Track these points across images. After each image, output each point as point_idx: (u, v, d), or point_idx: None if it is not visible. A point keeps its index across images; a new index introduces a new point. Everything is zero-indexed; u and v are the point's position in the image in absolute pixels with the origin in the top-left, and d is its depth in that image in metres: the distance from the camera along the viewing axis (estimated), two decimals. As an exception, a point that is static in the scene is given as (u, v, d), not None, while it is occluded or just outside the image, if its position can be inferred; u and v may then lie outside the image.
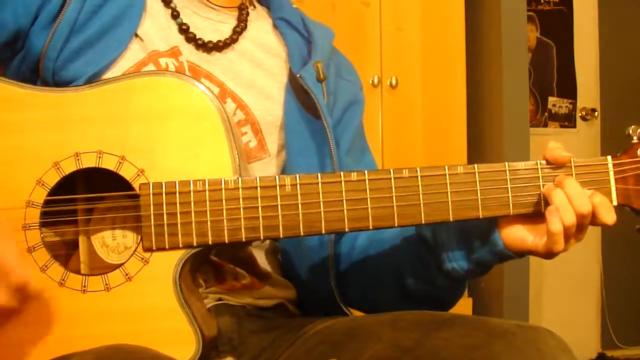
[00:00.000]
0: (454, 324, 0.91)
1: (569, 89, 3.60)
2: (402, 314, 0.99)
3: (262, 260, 1.13)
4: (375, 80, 2.60)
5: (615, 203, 0.97)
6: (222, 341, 1.05)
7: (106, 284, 0.92)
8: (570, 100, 3.60)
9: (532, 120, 3.42)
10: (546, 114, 3.56)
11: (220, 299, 1.06)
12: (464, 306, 2.63)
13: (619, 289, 3.57)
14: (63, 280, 0.92)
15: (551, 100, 3.58)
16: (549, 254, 0.96)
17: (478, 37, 2.86)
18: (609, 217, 0.95)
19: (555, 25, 3.59)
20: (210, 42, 1.12)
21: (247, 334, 1.07)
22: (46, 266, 0.93)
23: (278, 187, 0.93)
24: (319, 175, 0.94)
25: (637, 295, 3.59)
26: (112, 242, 0.98)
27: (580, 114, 3.61)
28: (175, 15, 1.12)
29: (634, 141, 0.98)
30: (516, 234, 0.97)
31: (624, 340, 3.59)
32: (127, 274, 0.92)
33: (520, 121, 2.82)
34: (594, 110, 3.60)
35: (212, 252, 1.04)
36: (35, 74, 1.05)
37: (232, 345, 1.06)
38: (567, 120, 3.59)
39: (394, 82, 2.63)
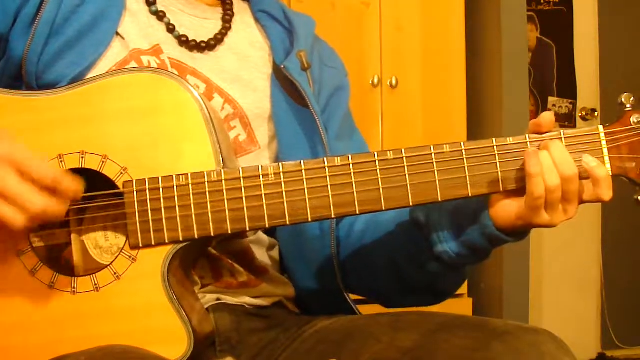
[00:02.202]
0: (454, 325, 0.91)
1: (569, 89, 3.60)
2: (401, 314, 1.00)
3: (259, 255, 1.13)
4: (375, 80, 2.60)
5: (609, 173, 0.93)
6: (220, 340, 1.04)
7: (95, 284, 0.92)
8: (570, 100, 3.59)
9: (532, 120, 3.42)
10: (546, 114, 3.56)
11: (218, 299, 1.06)
12: (464, 306, 2.63)
13: (619, 289, 3.57)
14: (52, 282, 0.92)
15: (551, 100, 3.57)
16: (532, 219, 0.93)
17: (478, 37, 2.86)
18: (606, 192, 0.92)
19: (555, 25, 3.59)
20: (202, 42, 1.12)
21: (246, 333, 1.07)
22: (35, 269, 0.93)
23: (261, 176, 0.92)
24: (302, 162, 0.93)
25: (637, 295, 3.58)
26: (105, 244, 0.98)
27: (580, 114, 3.61)
28: (160, 15, 1.11)
29: (627, 109, 0.95)
30: (505, 208, 0.95)
31: (624, 340, 3.58)
32: (115, 273, 0.92)
33: (520, 121, 2.82)
34: (594, 110, 3.60)
35: (206, 247, 1.03)
36: (19, 81, 1.05)
37: (230, 345, 1.05)
38: (567, 120, 3.59)
39: (394, 82, 2.62)
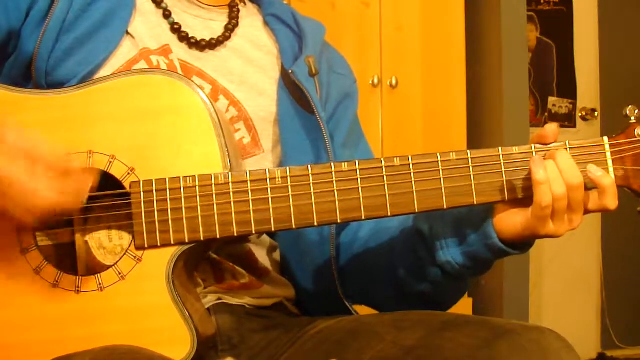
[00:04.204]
0: (458, 324, 0.91)
1: (569, 89, 3.60)
2: (405, 313, 0.99)
3: (261, 257, 1.13)
4: (375, 80, 2.60)
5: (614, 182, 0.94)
6: (221, 340, 1.05)
7: (100, 284, 0.92)
8: (570, 100, 3.59)
9: (532, 120, 3.42)
10: (546, 114, 3.56)
11: (219, 299, 1.06)
12: (464, 306, 2.63)
13: (619, 289, 3.57)
14: (56, 281, 0.92)
15: (551, 100, 3.57)
16: (538, 229, 0.94)
17: (478, 37, 2.86)
18: (612, 201, 0.93)
19: (555, 25, 3.59)
20: (203, 40, 1.12)
21: (246, 333, 1.07)
22: (39, 268, 0.92)
23: (268, 180, 0.93)
24: (309, 166, 0.93)
25: (637, 295, 3.59)
26: (108, 244, 0.98)
27: (580, 114, 3.61)
28: (167, 15, 1.12)
29: (631, 121, 0.96)
30: (510, 218, 0.96)
31: (624, 340, 3.58)
32: (120, 273, 0.92)
33: (520, 121, 2.82)
34: (594, 110, 3.60)
35: (209, 250, 1.03)
36: (27, 80, 1.05)
37: (231, 344, 1.05)
38: (567, 120, 3.59)
39: (394, 82, 2.63)
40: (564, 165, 0.92)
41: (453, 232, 1.01)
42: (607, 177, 0.93)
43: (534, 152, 0.94)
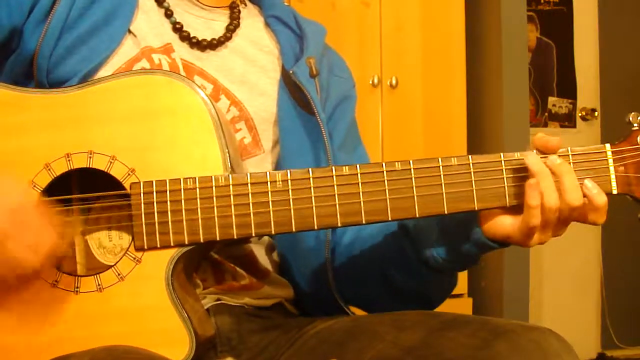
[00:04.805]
0: (458, 324, 0.91)
1: (569, 89, 3.60)
2: (405, 313, 0.99)
3: (261, 257, 1.13)
4: (375, 80, 2.60)
5: (615, 192, 0.95)
6: (221, 341, 1.05)
7: (99, 285, 0.92)
8: (570, 100, 3.59)
9: (532, 120, 3.42)
10: (546, 114, 3.56)
11: (218, 300, 1.06)
12: (464, 306, 2.63)
13: (619, 289, 3.57)
14: (56, 281, 0.92)
15: (551, 100, 3.57)
16: (522, 241, 0.94)
17: (478, 37, 2.86)
18: (602, 218, 0.93)
19: (555, 25, 3.59)
20: (204, 40, 1.12)
21: (246, 334, 1.07)
22: None
23: (269, 183, 0.92)
24: (310, 170, 0.93)
25: (637, 295, 3.58)
26: (108, 244, 0.98)
27: (580, 114, 3.61)
28: (168, 14, 1.12)
29: (634, 128, 0.95)
30: (497, 222, 0.95)
31: (624, 340, 3.58)
32: (119, 274, 0.92)
33: (520, 121, 2.82)
34: (594, 110, 3.60)
35: (209, 251, 1.03)
36: (28, 78, 1.05)
37: (231, 345, 1.06)
38: (567, 120, 3.59)
39: (394, 82, 2.62)
40: (569, 185, 0.91)
41: (437, 230, 1.02)
42: (601, 195, 0.92)
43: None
